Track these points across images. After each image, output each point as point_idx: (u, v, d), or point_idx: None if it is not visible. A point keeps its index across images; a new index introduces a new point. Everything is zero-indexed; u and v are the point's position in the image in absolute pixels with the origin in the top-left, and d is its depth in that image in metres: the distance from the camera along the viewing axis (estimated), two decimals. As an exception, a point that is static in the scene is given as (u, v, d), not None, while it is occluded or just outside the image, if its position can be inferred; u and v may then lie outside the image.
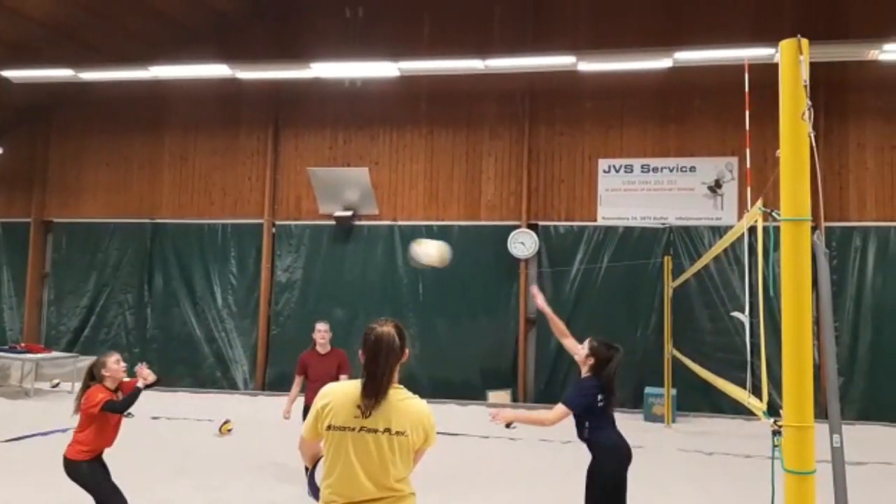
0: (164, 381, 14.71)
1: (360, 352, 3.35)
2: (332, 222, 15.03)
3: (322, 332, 7.95)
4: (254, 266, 15.41)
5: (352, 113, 15.23)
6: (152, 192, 16.12)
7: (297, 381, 8.04)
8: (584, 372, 5.33)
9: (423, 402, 3.33)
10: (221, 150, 15.87)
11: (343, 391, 3.30)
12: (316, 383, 7.41)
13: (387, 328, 3.34)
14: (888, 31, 12.02)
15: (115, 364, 5.74)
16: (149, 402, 13.14)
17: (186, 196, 15.99)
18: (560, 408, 5.10)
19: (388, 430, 3.16)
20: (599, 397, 5.16)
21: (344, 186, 14.82)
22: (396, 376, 3.29)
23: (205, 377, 15.18)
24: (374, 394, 3.17)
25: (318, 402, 3.30)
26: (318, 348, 7.93)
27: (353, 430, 3.16)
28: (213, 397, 14.30)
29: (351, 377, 7.51)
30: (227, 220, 15.63)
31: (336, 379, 7.54)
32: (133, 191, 16.18)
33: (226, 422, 11.03)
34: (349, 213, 14.90)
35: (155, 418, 11.81)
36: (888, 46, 11.63)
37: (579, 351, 5.41)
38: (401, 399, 3.26)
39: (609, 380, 5.22)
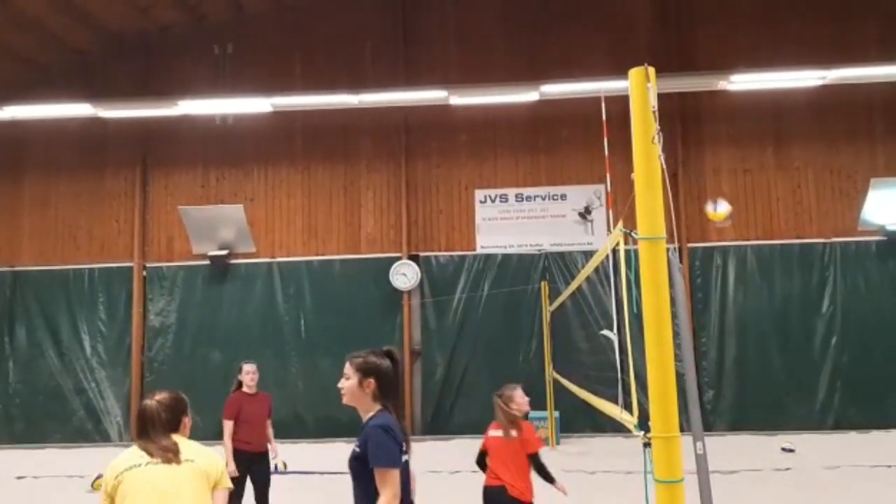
0: (31, 437, 13.97)
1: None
2: (207, 262, 14.62)
3: (251, 374, 7.56)
4: (124, 311, 14.74)
5: (224, 150, 14.94)
6: (11, 238, 15.20)
7: (229, 427, 7.21)
8: (365, 408, 3.55)
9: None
10: (86, 193, 15.19)
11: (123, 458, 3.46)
12: (247, 425, 7.15)
13: (149, 402, 3.59)
14: (735, 63, 12.96)
15: None
16: (13, 461, 12.32)
17: (49, 242, 15.16)
18: (389, 476, 3.28)
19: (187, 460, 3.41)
20: (403, 447, 3.44)
21: (218, 225, 14.46)
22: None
23: (75, 431, 14.31)
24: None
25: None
26: (246, 389, 7.50)
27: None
28: (84, 452, 13.46)
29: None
30: (95, 264, 14.92)
31: (264, 422, 7.28)
32: (-11, 238, 15.22)
33: (98, 477, 10.37)
34: (225, 252, 14.54)
35: (20, 478, 11.03)
36: (735, 77, 12.54)
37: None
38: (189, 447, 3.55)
39: (400, 414, 3.57)
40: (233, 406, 7.32)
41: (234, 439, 7.11)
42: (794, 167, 14.19)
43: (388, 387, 3.53)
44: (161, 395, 3.64)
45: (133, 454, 3.40)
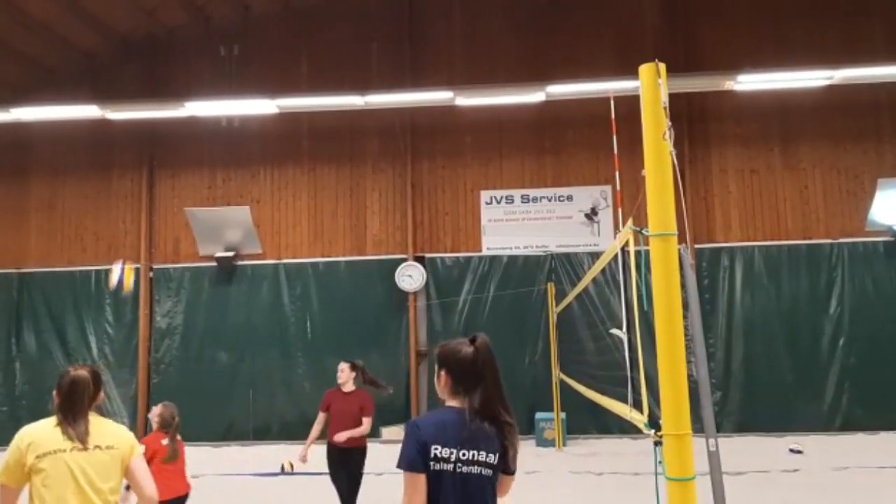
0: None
1: (54, 392, 3.59)
2: (214, 264, 14.62)
3: (339, 372, 7.51)
4: (131, 313, 14.76)
5: (231, 152, 14.96)
6: (18, 240, 15.24)
7: (320, 418, 7.45)
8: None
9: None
10: (93, 194, 15.22)
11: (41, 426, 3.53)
12: (333, 421, 7.21)
13: (82, 372, 3.60)
14: (741, 63, 12.93)
15: None
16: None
17: (56, 244, 15.20)
18: (406, 478, 2.94)
19: (98, 446, 3.48)
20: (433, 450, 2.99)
21: (225, 226, 14.48)
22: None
23: (81, 433, 14.29)
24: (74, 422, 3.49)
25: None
26: (342, 387, 7.47)
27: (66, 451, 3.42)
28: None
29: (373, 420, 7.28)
30: (101, 266, 14.92)
31: (358, 420, 7.20)
32: (-5, 240, 15.29)
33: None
34: (231, 254, 14.55)
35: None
36: (742, 77, 12.50)
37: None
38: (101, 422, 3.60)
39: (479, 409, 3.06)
40: (324, 400, 7.49)
41: (329, 436, 7.19)
42: (801, 167, 14.15)
43: (460, 377, 3.02)
44: (85, 368, 3.66)
45: (55, 435, 3.45)
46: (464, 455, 2.91)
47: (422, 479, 2.89)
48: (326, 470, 7.42)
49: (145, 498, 3.62)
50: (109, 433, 3.58)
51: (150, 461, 5.33)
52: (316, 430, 7.51)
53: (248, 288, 14.68)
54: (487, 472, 2.94)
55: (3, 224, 15.30)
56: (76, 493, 3.38)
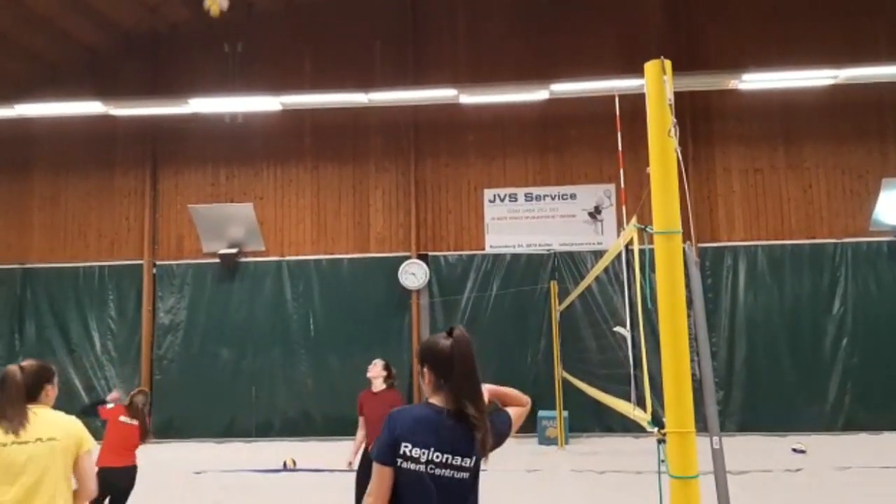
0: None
1: None
2: (217, 260, 14.63)
3: (370, 367, 7.33)
4: (134, 309, 14.77)
5: (234, 149, 14.96)
6: (21, 236, 15.26)
7: (361, 422, 7.20)
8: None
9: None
10: (96, 191, 15.23)
11: None
12: (367, 423, 6.98)
13: (13, 367, 3.63)
14: (745, 62, 12.91)
15: None
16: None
17: (59, 239, 15.21)
18: (375, 470, 2.87)
19: (39, 439, 3.49)
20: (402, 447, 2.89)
21: (228, 223, 14.48)
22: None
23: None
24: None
25: None
26: (372, 387, 7.27)
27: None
28: (93, 449, 13.46)
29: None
30: (104, 262, 14.96)
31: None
32: (-1, 235, 15.30)
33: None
34: (234, 251, 14.55)
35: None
36: (746, 76, 12.49)
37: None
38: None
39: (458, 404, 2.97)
40: (359, 404, 7.26)
41: (367, 440, 6.99)
42: (804, 167, 14.12)
43: (441, 371, 2.93)
44: (28, 363, 3.68)
45: None
46: (437, 457, 2.78)
47: (388, 472, 2.80)
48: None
49: (81, 496, 3.66)
50: (55, 426, 3.57)
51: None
52: (360, 435, 7.20)
53: (251, 285, 14.69)
54: (463, 475, 2.81)
55: (6, 219, 15.32)
56: (12, 485, 3.40)
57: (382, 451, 2.82)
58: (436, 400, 2.92)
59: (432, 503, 2.76)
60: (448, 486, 2.78)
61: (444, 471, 2.78)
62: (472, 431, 2.82)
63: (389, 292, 14.34)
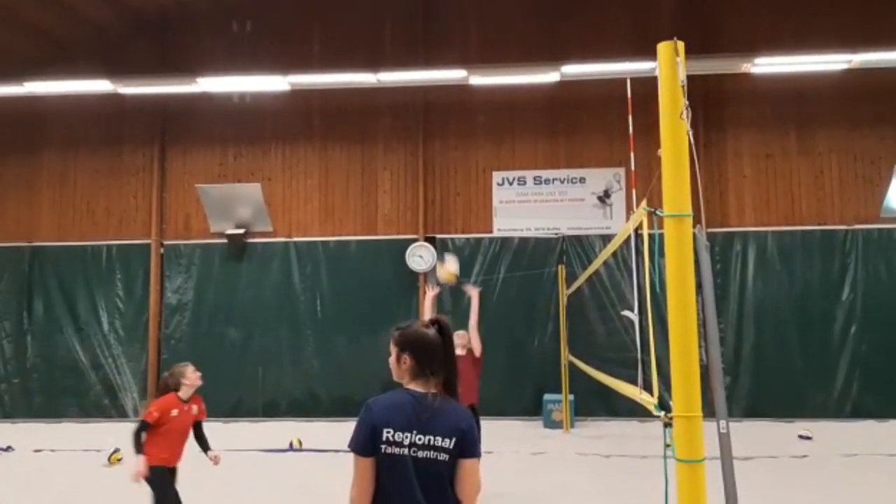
0: (48, 411, 14.13)
1: None
2: (224, 240, 14.63)
3: (457, 338, 7.27)
4: (142, 288, 14.81)
5: (242, 128, 14.92)
6: (30, 214, 15.29)
7: None
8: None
9: None
10: (104, 169, 15.23)
11: None
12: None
13: None
14: (759, 46, 12.78)
15: (192, 374, 6.36)
16: (31, 435, 12.46)
17: (67, 218, 15.24)
18: (354, 460, 2.97)
19: None
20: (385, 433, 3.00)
21: (235, 203, 14.47)
22: None
23: (91, 406, 14.43)
24: None
25: None
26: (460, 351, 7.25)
27: None
28: (101, 426, 13.59)
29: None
30: (112, 241, 14.99)
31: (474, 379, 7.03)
32: (9, 213, 15.30)
33: (115, 451, 10.47)
34: (242, 231, 14.55)
35: (38, 451, 11.16)
36: (759, 60, 12.36)
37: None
38: None
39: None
40: None
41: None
42: (816, 152, 14.00)
43: (428, 360, 3.03)
44: None
45: None
46: (419, 440, 2.86)
47: (368, 463, 2.88)
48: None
49: None
50: None
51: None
52: None
53: (259, 265, 14.70)
54: (443, 456, 2.87)
55: (15, 197, 15.34)
56: None
57: (361, 444, 2.89)
58: (415, 386, 3.02)
59: (412, 485, 2.84)
60: (428, 468, 2.86)
61: (426, 452, 2.86)
62: (454, 414, 2.94)
63: (397, 275, 14.32)
